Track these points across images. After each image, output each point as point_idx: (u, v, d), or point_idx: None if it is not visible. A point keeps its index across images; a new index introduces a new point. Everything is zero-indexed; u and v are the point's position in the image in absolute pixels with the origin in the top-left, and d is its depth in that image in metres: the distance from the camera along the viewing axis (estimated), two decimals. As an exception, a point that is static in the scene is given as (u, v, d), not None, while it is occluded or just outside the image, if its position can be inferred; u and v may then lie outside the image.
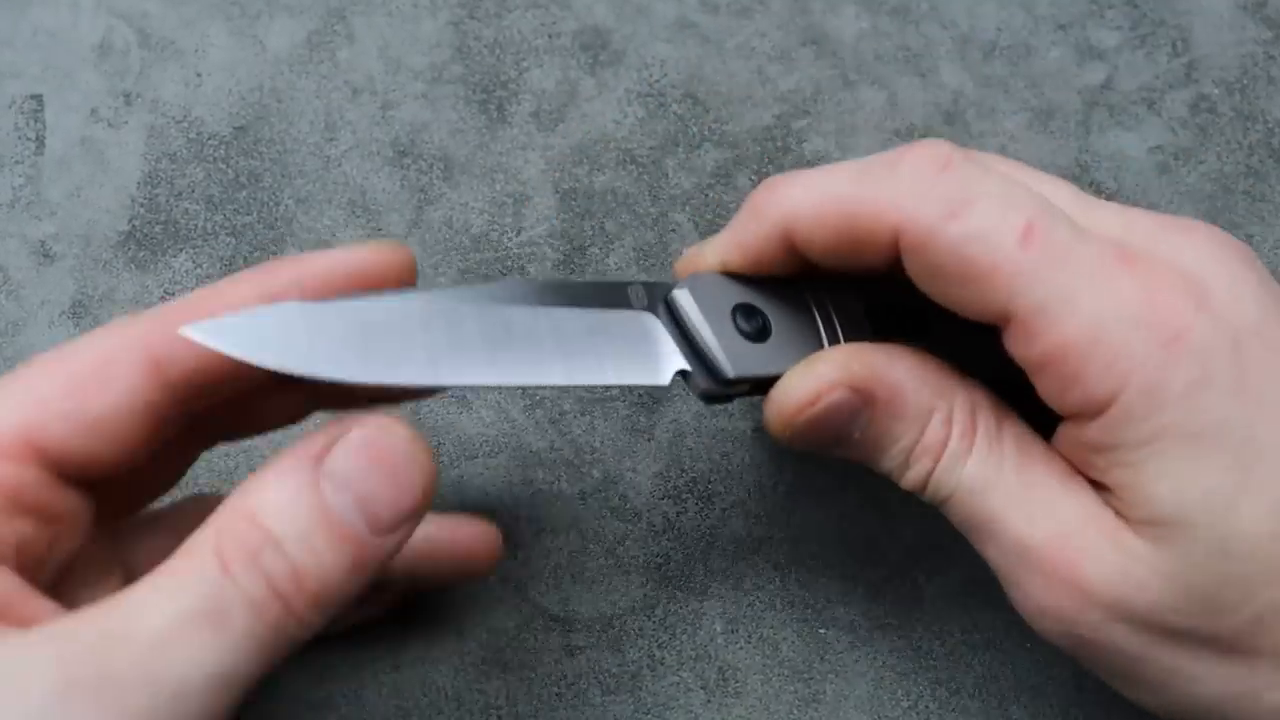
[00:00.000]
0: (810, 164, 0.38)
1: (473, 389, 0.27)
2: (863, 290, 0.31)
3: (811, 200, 0.28)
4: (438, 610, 0.34)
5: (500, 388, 0.27)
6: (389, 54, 0.39)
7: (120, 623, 0.23)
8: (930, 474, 0.29)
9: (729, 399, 0.30)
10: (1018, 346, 0.27)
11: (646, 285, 0.30)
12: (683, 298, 0.29)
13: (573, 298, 0.29)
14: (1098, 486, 0.28)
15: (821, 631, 0.35)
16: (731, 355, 0.29)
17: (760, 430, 0.36)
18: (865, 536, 0.35)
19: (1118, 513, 0.27)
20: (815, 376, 0.29)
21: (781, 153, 0.38)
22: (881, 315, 0.31)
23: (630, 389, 0.30)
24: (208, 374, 0.27)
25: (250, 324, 0.25)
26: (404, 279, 0.28)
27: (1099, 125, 0.38)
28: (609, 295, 0.29)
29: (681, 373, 0.29)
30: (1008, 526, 0.28)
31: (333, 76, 0.39)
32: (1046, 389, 0.27)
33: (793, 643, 0.34)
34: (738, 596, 0.35)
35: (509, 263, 0.37)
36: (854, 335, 0.30)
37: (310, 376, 0.25)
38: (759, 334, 0.29)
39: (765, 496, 0.35)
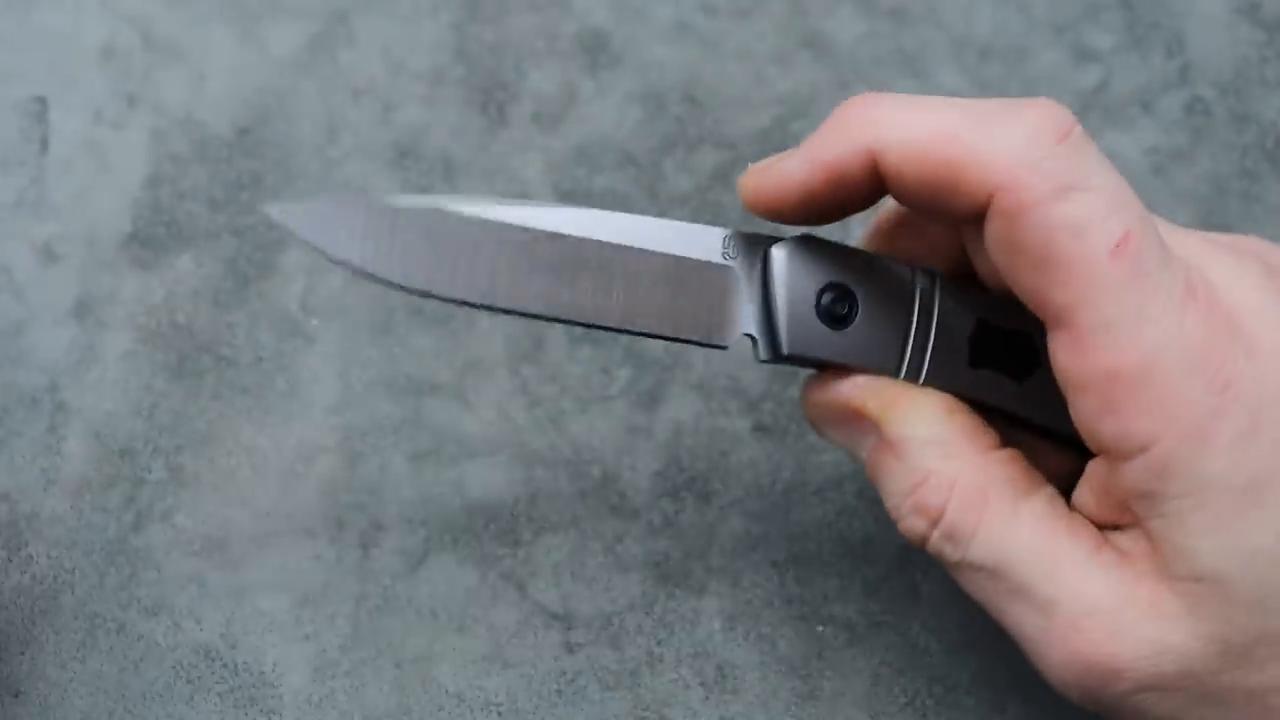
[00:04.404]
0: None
1: (528, 317, 0.29)
2: (979, 304, 0.29)
3: (912, 131, 0.26)
4: (439, 607, 0.35)
5: (555, 320, 0.29)
6: (390, 56, 0.39)
7: None
8: (927, 537, 0.28)
9: (800, 364, 0.29)
10: (1066, 356, 0.26)
11: (746, 236, 0.29)
12: (779, 256, 0.28)
13: (657, 238, 0.29)
14: (1119, 529, 0.27)
15: (819, 629, 0.35)
16: (795, 331, 0.28)
17: (759, 430, 0.36)
18: (862, 534, 0.35)
19: (1152, 566, 0.26)
20: (833, 389, 0.29)
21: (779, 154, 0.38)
22: (988, 339, 0.29)
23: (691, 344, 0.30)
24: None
25: (329, 212, 0.27)
26: None
27: (1094, 127, 0.39)
28: (697, 241, 0.29)
29: (749, 335, 0.29)
30: (1028, 608, 0.27)
31: (334, 78, 0.39)
32: (1083, 412, 0.26)
33: (790, 640, 0.35)
34: (736, 594, 0.35)
35: (509, 263, 0.37)
36: (943, 359, 0.29)
37: (377, 278, 0.28)
38: (838, 320, 0.28)
39: (763, 494, 0.36)
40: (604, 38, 0.40)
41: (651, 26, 0.40)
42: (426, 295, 0.28)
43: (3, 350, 0.36)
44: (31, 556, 0.35)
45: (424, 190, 0.38)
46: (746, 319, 0.29)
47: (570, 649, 0.34)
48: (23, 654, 0.34)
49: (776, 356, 0.29)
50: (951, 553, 0.28)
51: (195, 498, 0.35)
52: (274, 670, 0.34)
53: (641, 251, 0.29)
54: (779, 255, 0.29)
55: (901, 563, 0.35)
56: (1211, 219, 0.38)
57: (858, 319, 0.28)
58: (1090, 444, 0.27)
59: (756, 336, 0.29)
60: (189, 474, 0.35)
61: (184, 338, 0.37)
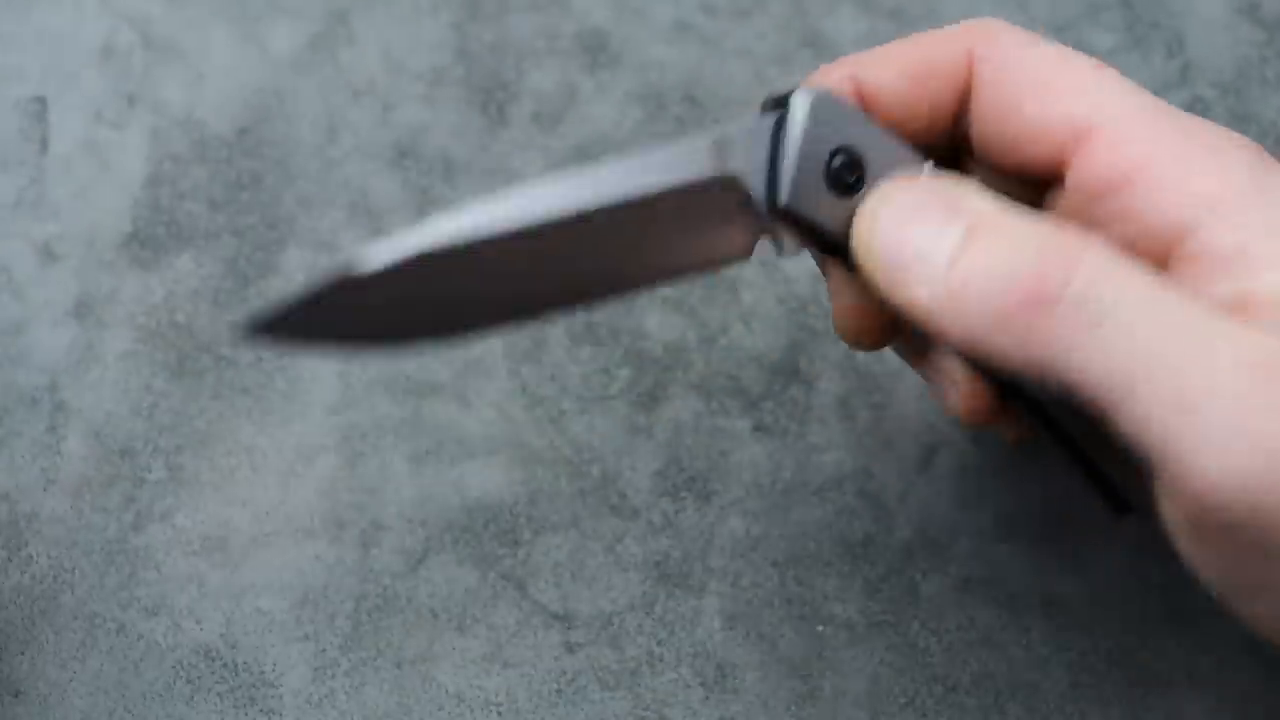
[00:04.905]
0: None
1: (551, 316, 0.27)
2: None
3: (882, 47, 0.27)
4: (439, 607, 0.35)
5: (581, 307, 0.27)
6: (390, 56, 0.39)
7: None
8: (1056, 302, 0.23)
9: (792, 223, 0.27)
10: (1098, 158, 0.24)
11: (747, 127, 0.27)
12: (800, 103, 0.26)
13: (644, 178, 0.26)
14: None
15: (819, 628, 0.35)
16: (798, 184, 0.26)
17: (759, 430, 0.36)
18: (863, 534, 0.35)
19: None
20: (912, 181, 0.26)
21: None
22: None
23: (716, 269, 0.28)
24: None
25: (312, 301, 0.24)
26: None
27: (1094, 126, 0.39)
28: (686, 158, 0.26)
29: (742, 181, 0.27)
30: (1171, 398, 0.22)
31: (334, 78, 0.39)
32: (1134, 204, 0.24)
33: (790, 640, 0.35)
34: (736, 594, 0.35)
35: (509, 263, 0.37)
36: None
37: (377, 350, 0.26)
38: (843, 187, 0.27)
39: (763, 494, 0.36)
40: (604, 38, 0.39)
41: (651, 26, 0.40)
42: (444, 340, 0.26)
43: (3, 350, 0.36)
44: (31, 556, 0.35)
45: (423, 191, 0.38)
46: (756, 173, 0.27)
47: (570, 649, 0.34)
48: (23, 654, 0.34)
49: (773, 210, 0.27)
50: (1077, 327, 0.23)
51: (195, 498, 0.35)
52: (274, 670, 0.34)
53: (636, 202, 0.26)
54: (801, 103, 0.26)
55: (901, 563, 0.35)
56: (1212, 219, 0.38)
57: (861, 192, 0.27)
58: (1155, 243, 0.24)
59: (757, 188, 0.27)
60: (189, 474, 0.35)
61: (184, 338, 0.37)
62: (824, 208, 0.27)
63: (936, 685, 0.34)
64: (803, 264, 0.38)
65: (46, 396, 0.36)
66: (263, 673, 0.34)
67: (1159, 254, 0.25)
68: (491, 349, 0.37)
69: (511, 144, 0.39)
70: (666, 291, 0.37)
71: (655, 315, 0.37)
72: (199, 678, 0.34)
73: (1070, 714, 0.34)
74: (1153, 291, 0.23)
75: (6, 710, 0.33)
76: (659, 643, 0.34)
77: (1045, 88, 0.26)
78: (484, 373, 0.36)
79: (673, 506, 0.36)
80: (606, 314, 0.37)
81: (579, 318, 0.37)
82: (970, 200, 0.25)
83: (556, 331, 0.37)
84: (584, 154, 0.38)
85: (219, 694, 0.34)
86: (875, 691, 0.34)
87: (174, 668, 0.34)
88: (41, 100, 0.39)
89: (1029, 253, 0.23)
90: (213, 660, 0.34)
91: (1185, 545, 0.24)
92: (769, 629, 0.35)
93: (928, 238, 0.24)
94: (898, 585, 0.35)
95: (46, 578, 0.34)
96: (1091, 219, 0.25)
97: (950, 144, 0.28)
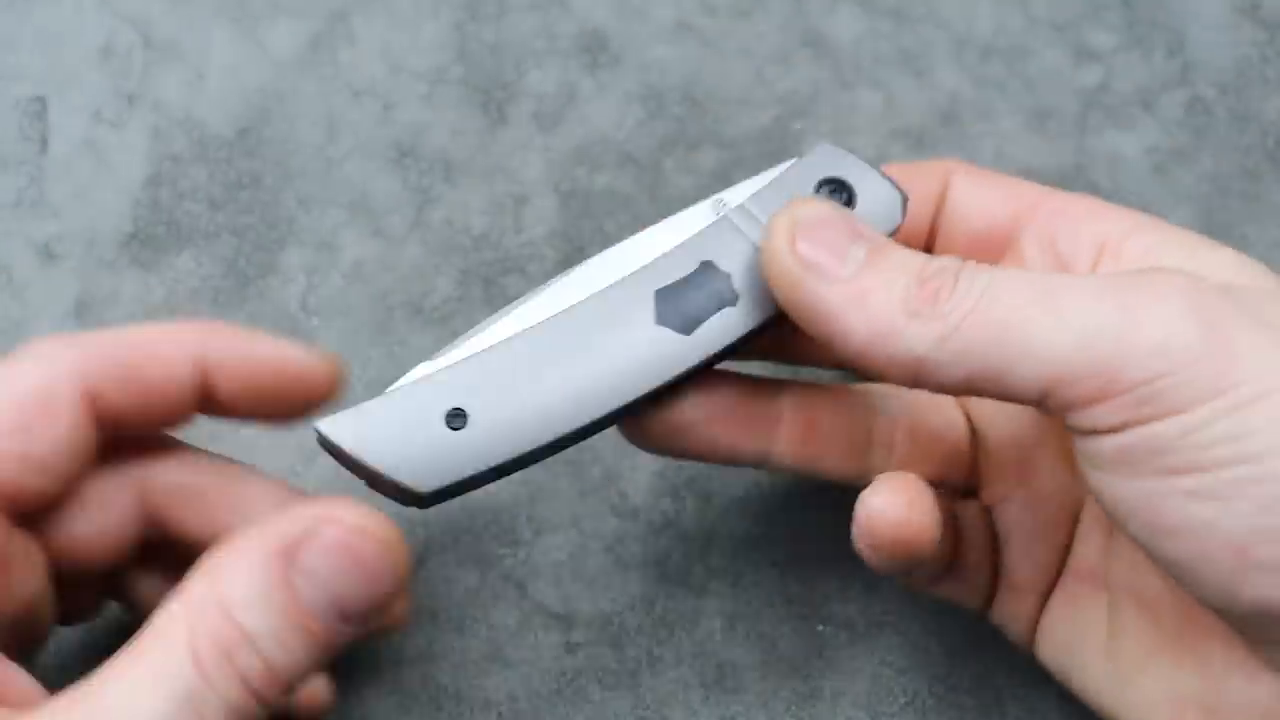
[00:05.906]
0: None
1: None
2: None
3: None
4: (439, 607, 0.34)
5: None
6: (390, 56, 0.39)
7: None
8: (932, 303, 0.27)
9: None
10: (1045, 207, 0.31)
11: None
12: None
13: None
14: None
15: (819, 628, 0.35)
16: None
17: (758, 429, 0.36)
18: (863, 534, 0.35)
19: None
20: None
21: (780, 153, 0.38)
22: None
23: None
24: (136, 412, 0.28)
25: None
26: (325, 395, 0.30)
27: (1095, 126, 0.39)
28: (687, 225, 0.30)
29: None
30: (1044, 297, 0.26)
31: (334, 78, 0.39)
32: (1076, 226, 0.30)
33: (791, 639, 0.35)
34: (736, 594, 0.35)
35: (509, 263, 0.37)
36: None
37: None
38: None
39: (764, 494, 0.36)
40: (604, 38, 0.39)
41: (651, 26, 0.40)
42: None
43: (2, 350, 0.36)
44: (31, 556, 0.35)
45: (423, 190, 0.38)
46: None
47: (570, 649, 0.34)
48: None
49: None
50: (965, 310, 0.27)
51: (195, 498, 0.35)
52: (274, 670, 0.34)
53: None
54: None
55: (902, 563, 0.35)
56: (1212, 219, 0.38)
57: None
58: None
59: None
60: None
61: (184, 338, 0.37)
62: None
63: (937, 685, 0.34)
64: (803, 264, 0.37)
65: (46, 396, 0.36)
66: (263, 673, 0.34)
67: (1097, 253, 0.30)
68: (491, 349, 0.37)
69: (511, 144, 0.38)
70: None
71: (655, 315, 0.37)
72: (199, 678, 0.34)
73: (1070, 714, 0.34)
74: (1011, 271, 0.27)
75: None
76: (659, 643, 0.34)
77: (1006, 185, 0.32)
78: (484, 373, 0.36)
79: (673, 506, 0.36)
80: (606, 314, 0.37)
81: (579, 318, 0.37)
82: (869, 231, 0.28)
83: (556, 331, 0.37)
84: (584, 154, 0.38)
85: (219, 694, 0.34)
86: (875, 691, 0.34)
87: (174, 668, 0.34)
88: (41, 100, 0.39)
89: (923, 261, 0.27)
90: (213, 660, 0.34)
91: (1113, 484, 0.26)
92: (769, 629, 0.35)
93: (839, 247, 0.27)
94: (897, 585, 0.35)
95: (46, 578, 0.34)
96: (1042, 240, 0.31)
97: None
